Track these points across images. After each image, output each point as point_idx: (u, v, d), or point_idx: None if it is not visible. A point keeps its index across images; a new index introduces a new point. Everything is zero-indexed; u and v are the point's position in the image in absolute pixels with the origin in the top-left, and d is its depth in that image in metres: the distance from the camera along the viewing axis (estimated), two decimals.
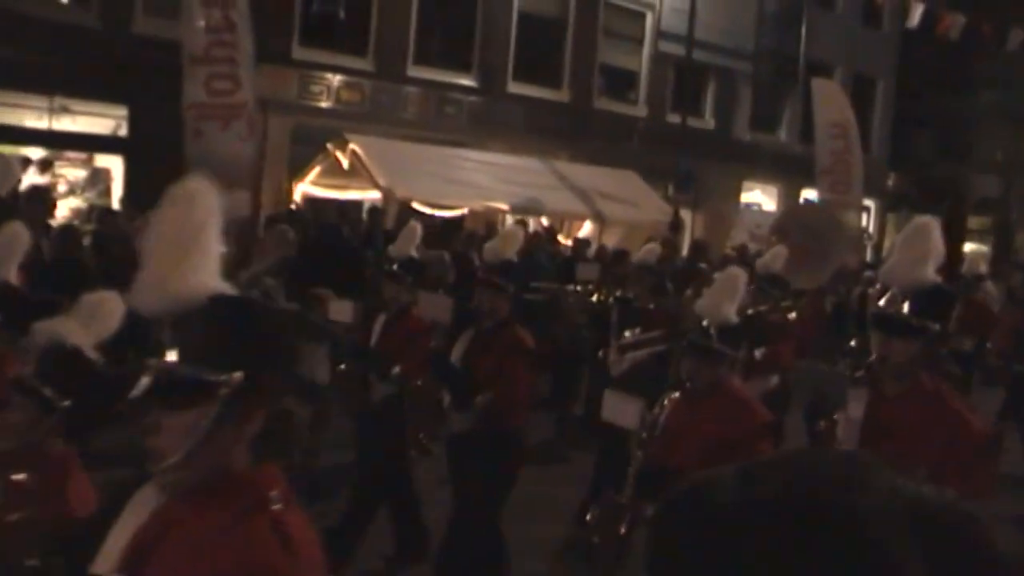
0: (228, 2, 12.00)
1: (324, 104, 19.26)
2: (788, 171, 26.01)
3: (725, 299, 5.18)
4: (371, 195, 17.38)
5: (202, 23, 11.99)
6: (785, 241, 10.63)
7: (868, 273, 15.70)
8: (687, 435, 4.85)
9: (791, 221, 11.93)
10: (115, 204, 15.90)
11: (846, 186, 19.74)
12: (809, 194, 25.12)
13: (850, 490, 0.95)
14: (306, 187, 18.25)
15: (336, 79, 19.38)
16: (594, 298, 10.40)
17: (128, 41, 16.45)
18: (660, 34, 24.12)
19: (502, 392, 6.09)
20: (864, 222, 25.96)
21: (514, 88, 21.86)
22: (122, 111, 17.19)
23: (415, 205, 16.65)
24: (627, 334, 7.83)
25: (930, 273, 4.44)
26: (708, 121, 25.81)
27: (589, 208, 19.37)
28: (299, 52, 18.88)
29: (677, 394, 5.04)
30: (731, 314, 5.12)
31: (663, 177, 21.76)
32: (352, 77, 19.59)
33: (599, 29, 23.31)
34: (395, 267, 7.27)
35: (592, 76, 23.38)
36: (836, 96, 20.68)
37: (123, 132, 17.43)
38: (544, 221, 18.46)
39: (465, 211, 17.55)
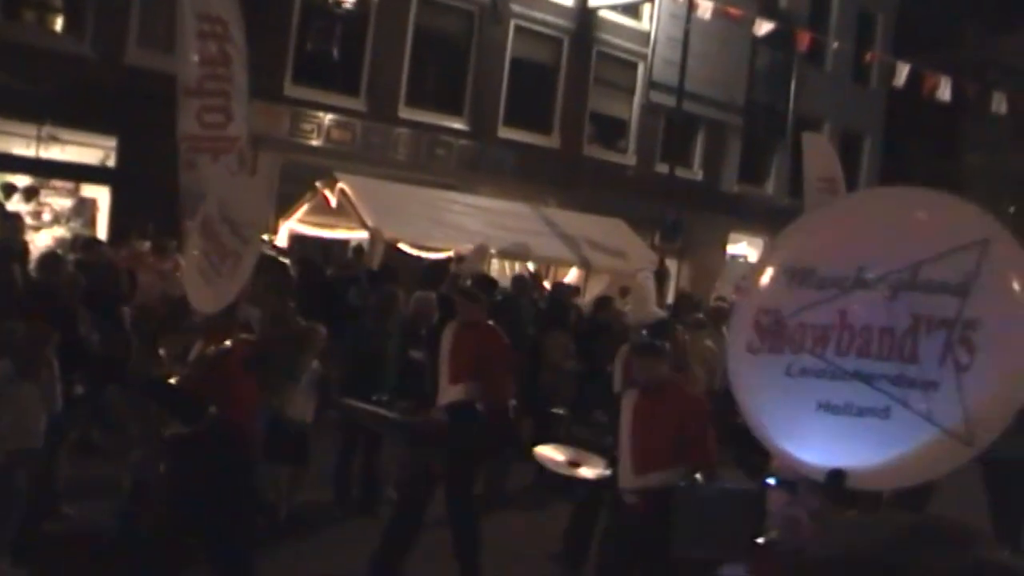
0: (224, 36, 11.97)
1: (315, 142, 19.21)
2: (774, 223, 25.91)
3: None
4: (359, 235, 17.28)
5: (196, 56, 11.95)
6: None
7: None
8: None
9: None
10: (100, 234, 15.77)
11: None
12: None
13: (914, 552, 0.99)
14: (293, 224, 18.13)
15: (327, 118, 19.36)
16: None
17: (120, 72, 16.41)
18: (651, 84, 24.26)
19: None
20: None
21: (505, 133, 21.89)
22: (111, 142, 17.08)
23: (402, 246, 16.57)
24: None
25: None
26: (696, 172, 25.89)
27: (576, 255, 19.31)
28: (291, 89, 18.87)
29: None
30: None
31: (650, 226, 21.74)
32: (343, 116, 19.58)
33: (591, 77, 23.41)
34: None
35: (583, 124, 23.45)
36: (825, 150, 20.67)
37: (111, 163, 17.31)
38: (530, 266, 18.38)
39: (451, 253, 17.46)
